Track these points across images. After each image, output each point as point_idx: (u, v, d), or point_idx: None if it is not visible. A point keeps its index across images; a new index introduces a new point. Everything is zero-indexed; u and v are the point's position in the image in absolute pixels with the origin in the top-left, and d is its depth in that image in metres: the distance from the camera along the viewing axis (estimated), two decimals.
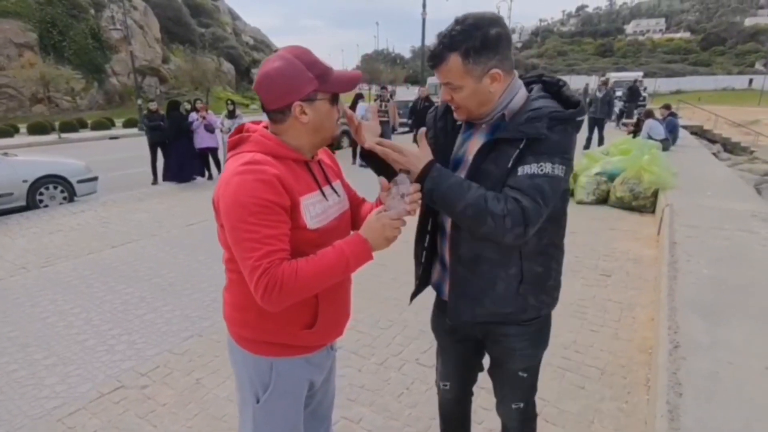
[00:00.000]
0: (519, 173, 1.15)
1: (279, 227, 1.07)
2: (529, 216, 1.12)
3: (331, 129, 1.20)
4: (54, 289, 3.89)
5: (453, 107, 1.29)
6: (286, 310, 1.15)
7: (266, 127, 1.21)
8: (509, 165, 1.17)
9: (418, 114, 11.03)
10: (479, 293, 1.31)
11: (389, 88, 12.91)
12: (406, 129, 15.86)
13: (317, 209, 1.17)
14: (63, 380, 2.63)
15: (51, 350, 2.94)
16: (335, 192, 1.27)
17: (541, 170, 1.14)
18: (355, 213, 1.38)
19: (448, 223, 1.35)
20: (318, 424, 1.48)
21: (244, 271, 1.06)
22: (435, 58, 1.20)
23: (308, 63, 1.11)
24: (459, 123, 1.36)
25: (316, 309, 1.21)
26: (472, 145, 1.29)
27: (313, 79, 1.11)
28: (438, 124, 1.40)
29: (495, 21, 1.17)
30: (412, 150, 1.21)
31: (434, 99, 16.99)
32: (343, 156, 9.90)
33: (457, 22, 1.17)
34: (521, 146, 1.16)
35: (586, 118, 1.24)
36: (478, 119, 1.28)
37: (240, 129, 1.22)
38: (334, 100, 1.17)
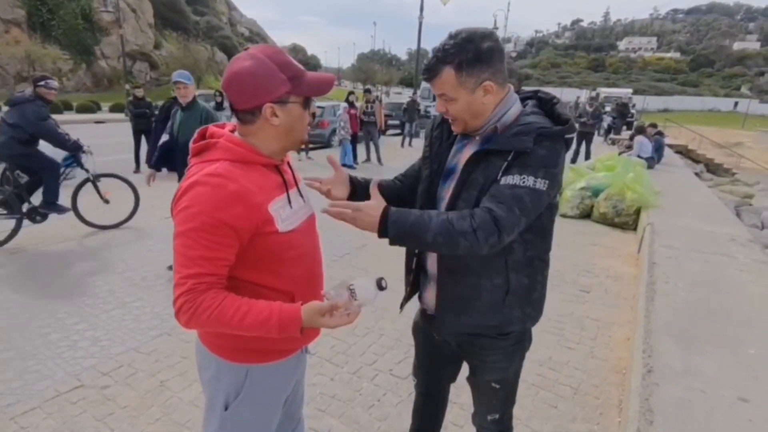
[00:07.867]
0: (501, 182, 1.17)
1: (219, 250, 1.03)
2: (502, 224, 1.13)
3: (302, 132, 1.17)
4: (19, 277, 3.74)
5: (450, 119, 1.31)
6: None
7: (232, 131, 1.16)
8: (496, 176, 1.19)
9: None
10: (466, 304, 1.33)
11: (373, 91, 12.92)
12: (397, 131, 15.86)
13: (287, 212, 1.14)
14: (20, 376, 2.51)
15: (11, 343, 2.81)
16: (301, 196, 1.25)
17: (523, 182, 1.16)
18: None
19: None
20: (287, 421, 1.45)
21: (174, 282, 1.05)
22: (429, 71, 1.22)
23: (281, 64, 1.07)
24: (455, 133, 1.40)
25: None
26: (463, 156, 1.31)
27: (286, 80, 1.07)
28: (434, 133, 1.43)
29: (487, 35, 1.19)
30: (366, 203, 1.20)
31: (424, 103, 17.06)
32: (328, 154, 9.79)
33: (451, 36, 1.19)
34: (509, 158, 1.18)
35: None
36: (474, 131, 1.31)
37: (203, 133, 1.15)
38: (307, 103, 1.14)
